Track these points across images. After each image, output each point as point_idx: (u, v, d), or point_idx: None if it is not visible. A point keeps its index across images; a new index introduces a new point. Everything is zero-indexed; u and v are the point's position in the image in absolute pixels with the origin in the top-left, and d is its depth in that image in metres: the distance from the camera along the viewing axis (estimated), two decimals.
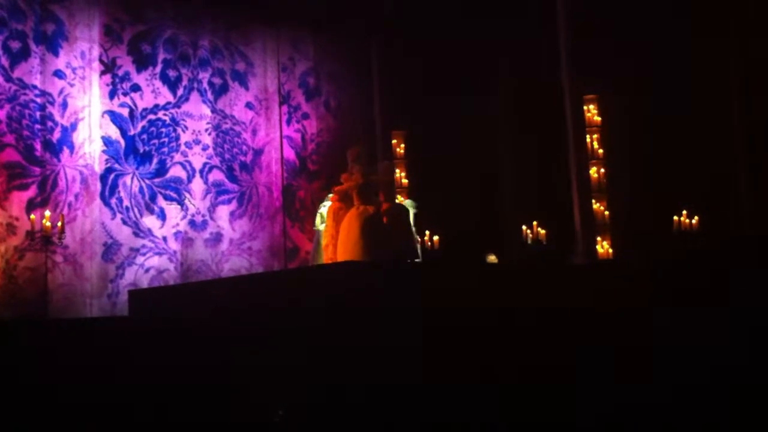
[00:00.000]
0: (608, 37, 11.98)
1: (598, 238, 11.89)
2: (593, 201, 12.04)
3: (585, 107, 12.33)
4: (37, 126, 10.19)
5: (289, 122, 12.52)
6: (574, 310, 7.54)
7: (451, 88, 12.74)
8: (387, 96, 13.10)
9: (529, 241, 12.01)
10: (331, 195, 10.07)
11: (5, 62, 10.04)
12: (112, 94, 10.90)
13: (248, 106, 12.15)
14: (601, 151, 12.26)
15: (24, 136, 10.06)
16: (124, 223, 10.74)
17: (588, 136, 12.28)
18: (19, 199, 9.92)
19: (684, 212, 11.42)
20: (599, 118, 12.35)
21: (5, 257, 9.69)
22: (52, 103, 10.33)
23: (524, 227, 12.13)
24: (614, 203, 12.04)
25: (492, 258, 11.23)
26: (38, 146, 10.16)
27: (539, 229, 12.16)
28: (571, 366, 7.18)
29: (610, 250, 11.83)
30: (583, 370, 7.23)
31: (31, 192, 10.02)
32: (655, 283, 8.30)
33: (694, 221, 11.42)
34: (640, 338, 7.71)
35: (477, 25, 12.68)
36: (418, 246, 9.87)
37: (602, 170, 12.18)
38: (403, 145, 13.04)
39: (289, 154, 12.44)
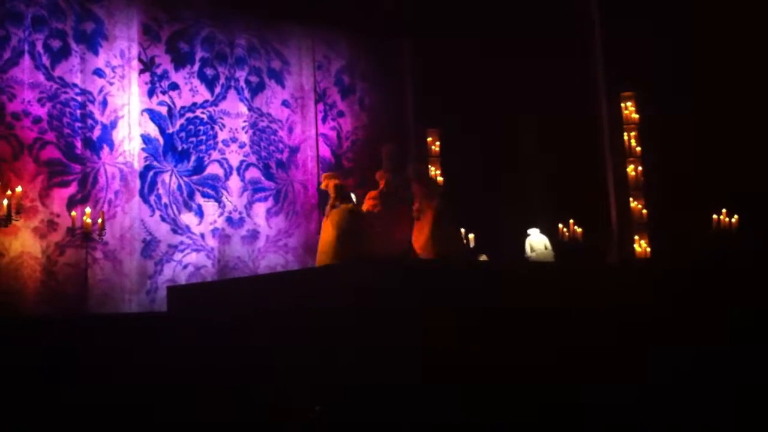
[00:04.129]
0: (644, 34, 11.84)
1: (636, 237, 11.79)
2: (630, 199, 11.93)
3: (622, 104, 12.22)
4: (78, 124, 10.32)
5: (324, 120, 12.56)
6: (608, 309, 7.50)
7: (484, 85, 12.67)
8: (419, 94, 13.10)
9: (566, 240, 11.92)
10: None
11: (46, 61, 10.18)
12: (151, 93, 11.01)
13: (284, 104, 12.22)
14: (638, 148, 12.14)
15: (65, 134, 10.19)
16: (163, 220, 10.85)
17: (625, 133, 12.16)
18: (60, 196, 10.05)
19: (723, 211, 11.27)
20: (636, 116, 12.23)
21: (46, 253, 9.83)
22: (92, 102, 10.45)
23: (560, 225, 12.05)
24: (652, 201, 11.91)
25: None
26: (79, 144, 10.28)
27: (576, 227, 12.07)
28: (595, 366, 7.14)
29: (648, 249, 11.72)
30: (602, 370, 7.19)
31: (72, 189, 10.15)
32: (693, 283, 8.23)
33: (733, 220, 11.27)
34: (675, 338, 7.65)
35: (508, 22, 12.61)
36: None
37: (639, 168, 12.06)
38: (438, 143, 13.02)
39: (325, 151, 12.49)
